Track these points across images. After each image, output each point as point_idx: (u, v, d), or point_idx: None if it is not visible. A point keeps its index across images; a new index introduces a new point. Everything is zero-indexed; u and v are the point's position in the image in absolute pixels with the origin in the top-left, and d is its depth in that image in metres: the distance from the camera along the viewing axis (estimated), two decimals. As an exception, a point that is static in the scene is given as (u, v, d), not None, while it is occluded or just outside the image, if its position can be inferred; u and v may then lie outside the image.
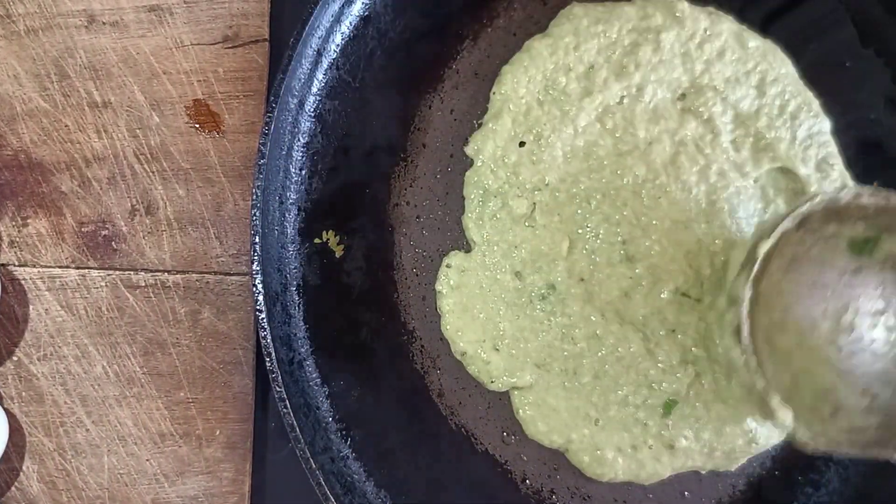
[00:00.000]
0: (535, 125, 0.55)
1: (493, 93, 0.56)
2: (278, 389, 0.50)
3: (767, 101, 0.55)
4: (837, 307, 0.49)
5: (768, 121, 0.55)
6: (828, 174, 0.55)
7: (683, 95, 0.56)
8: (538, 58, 0.56)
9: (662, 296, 0.54)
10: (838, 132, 0.56)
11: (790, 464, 0.55)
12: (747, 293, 0.46)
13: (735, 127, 0.55)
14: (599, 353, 0.54)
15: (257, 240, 0.50)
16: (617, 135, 0.55)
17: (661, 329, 0.54)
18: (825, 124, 0.56)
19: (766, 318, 0.48)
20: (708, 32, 0.56)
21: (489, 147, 0.56)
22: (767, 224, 0.49)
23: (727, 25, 0.56)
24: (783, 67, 0.56)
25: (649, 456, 0.53)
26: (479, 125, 0.56)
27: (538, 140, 0.55)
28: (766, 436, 0.54)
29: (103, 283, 0.57)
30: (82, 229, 0.57)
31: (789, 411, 0.45)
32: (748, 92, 0.55)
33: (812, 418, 0.47)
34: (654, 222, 0.54)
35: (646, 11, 0.56)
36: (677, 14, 0.56)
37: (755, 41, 0.56)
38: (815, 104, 0.56)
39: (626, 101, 0.56)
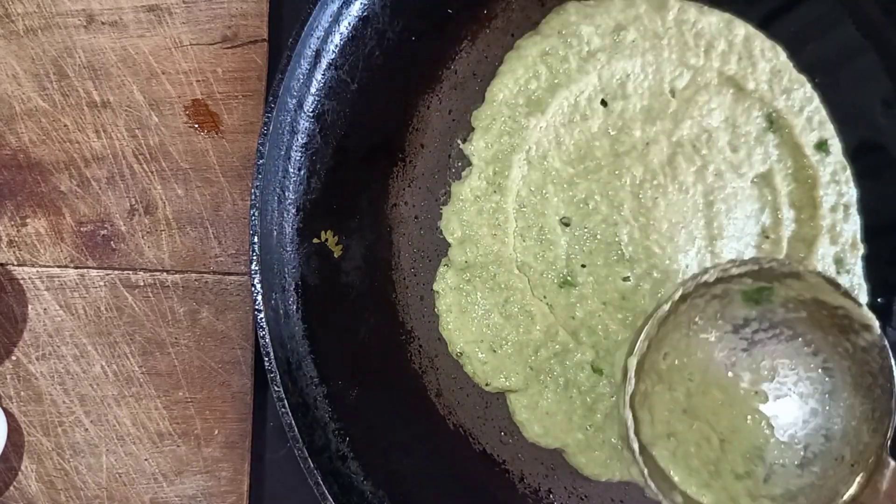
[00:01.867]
0: (533, 126, 0.55)
1: (490, 93, 0.56)
2: (277, 389, 0.50)
3: (761, 83, 0.56)
4: (752, 359, 0.48)
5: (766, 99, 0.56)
6: (827, 153, 0.55)
7: (682, 93, 0.56)
8: (530, 57, 0.56)
9: (659, 296, 0.54)
10: (837, 133, 0.56)
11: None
12: (628, 415, 0.46)
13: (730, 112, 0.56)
14: (594, 355, 0.54)
15: (256, 240, 0.50)
16: (613, 134, 0.55)
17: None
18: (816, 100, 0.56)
19: (683, 388, 0.48)
20: (700, 25, 0.56)
21: (487, 147, 0.56)
22: (634, 335, 0.48)
23: (715, 18, 0.56)
24: (772, 54, 0.56)
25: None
26: (477, 125, 0.56)
27: (536, 141, 0.55)
28: None
29: (102, 283, 0.57)
30: (81, 229, 0.57)
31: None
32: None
33: (744, 492, 0.46)
34: (652, 223, 0.55)
35: (635, 6, 0.56)
36: (668, 8, 0.56)
37: (742, 29, 0.56)
38: (808, 86, 0.56)
39: (622, 99, 0.56)
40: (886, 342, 0.46)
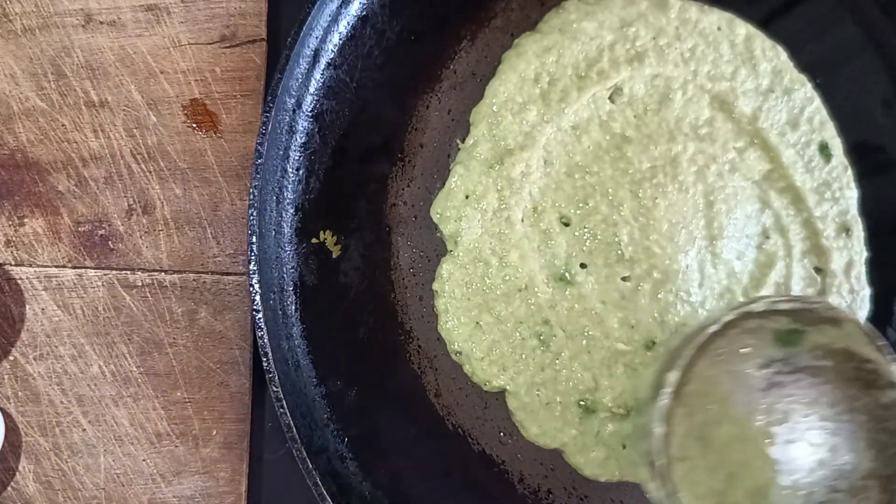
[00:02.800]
0: (532, 125, 0.55)
1: (489, 91, 0.56)
2: (275, 389, 0.50)
3: (762, 83, 0.56)
4: (769, 400, 0.48)
5: (762, 103, 0.56)
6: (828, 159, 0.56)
7: (682, 93, 0.56)
8: (530, 54, 0.56)
9: (659, 296, 0.54)
10: (838, 134, 0.56)
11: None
12: (659, 428, 0.46)
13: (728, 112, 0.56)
14: (590, 358, 0.54)
15: (254, 240, 0.50)
16: (612, 134, 0.55)
17: (661, 333, 0.54)
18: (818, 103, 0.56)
19: (701, 415, 0.48)
20: (701, 25, 0.56)
21: (486, 147, 0.55)
22: (675, 352, 0.49)
23: (716, 17, 0.56)
24: (773, 54, 0.56)
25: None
26: (476, 123, 0.56)
27: (534, 140, 0.55)
28: None
29: (100, 283, 0.57)
30: (79, 229, 0.57)
31: None
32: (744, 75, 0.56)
33: None
34: (651, 223, 0.54)
35: (636, 4, 0.56)
36: (669, 7, 0.56)
37: (743, 29, 0.56)
38: (808, 86, 0.56)
39: (619, 99, 0.56)
40: None
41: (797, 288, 0.55)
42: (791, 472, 0.46)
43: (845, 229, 0.56)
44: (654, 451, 0.46)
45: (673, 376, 0.46)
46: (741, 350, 0.48)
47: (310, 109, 0.54)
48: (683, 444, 0.47)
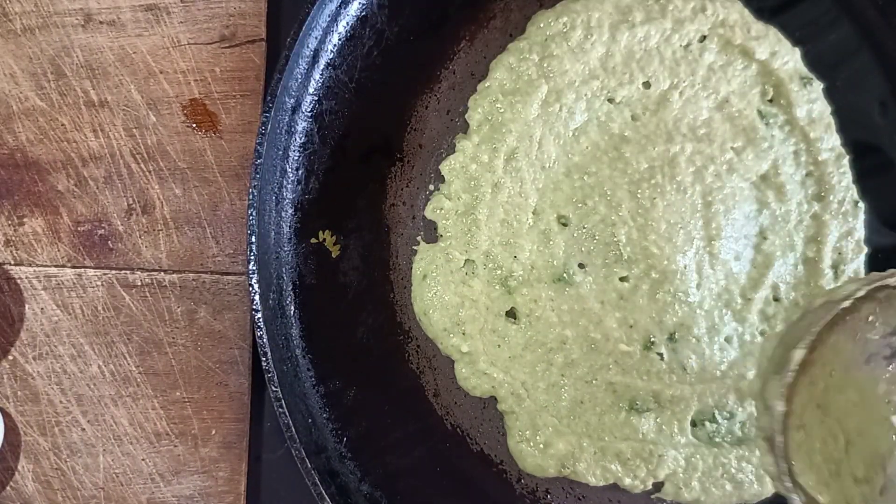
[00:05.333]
0: (530, 125, 0.55)
1: (485, 89, 0.56)
2: (274, 389, 0.50)
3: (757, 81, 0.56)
4: (893, 367, 0.47)
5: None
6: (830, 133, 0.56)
7: (680, 94, 0.56)
8: (525, 54, 0.56)
9: (657, 296, 0.54)
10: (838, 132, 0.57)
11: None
12: (780, 406, 0.45)
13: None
14: (588, 362, 0.54)
15: (254, 239, 0.50)
16: (613, 133, 0.55)
17: (659, 333, 0.54)
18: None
19: (823, 383, 0.47)
20: (696, 24, 0.56)
21: (483, 147, 0.55)
22: (797, 328, 0.48)
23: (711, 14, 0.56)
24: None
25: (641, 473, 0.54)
26: (471, 123, 0.56)
27: (532, 140, 0.55)
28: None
29: (99, 283, 0.57)
30: (78, 228, 0.57)
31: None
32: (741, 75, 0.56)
33: (860, 497, 0.45)
34: (650, 223, 0.55)
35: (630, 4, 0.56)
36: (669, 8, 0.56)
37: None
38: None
39: (618, 99, 0.56)
40: None
41: (794, 287, 0.55)
42: None
43: (844, 230, 0.56)
44: (774, 428, 0.45)
45: (798, 354, 0.45)
46: (869, 318, 0.47)
47: (309, 110, 0.54)
48: (801, 413, 0.47)
